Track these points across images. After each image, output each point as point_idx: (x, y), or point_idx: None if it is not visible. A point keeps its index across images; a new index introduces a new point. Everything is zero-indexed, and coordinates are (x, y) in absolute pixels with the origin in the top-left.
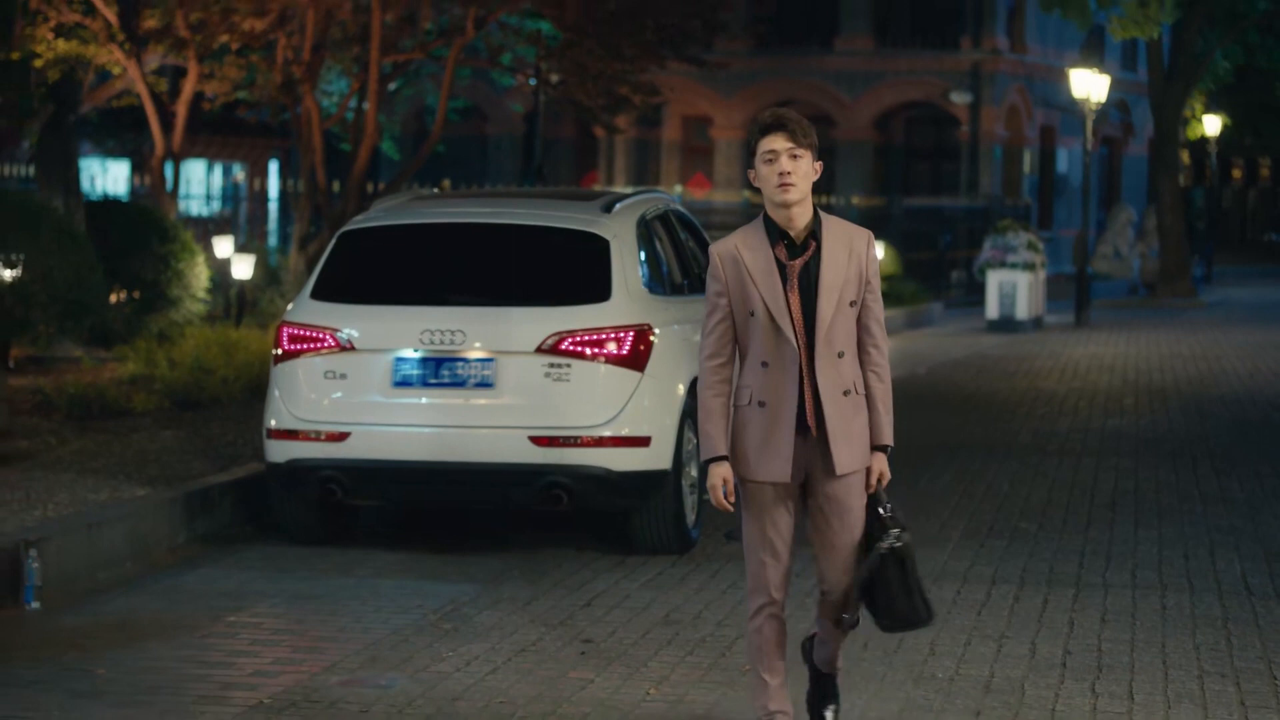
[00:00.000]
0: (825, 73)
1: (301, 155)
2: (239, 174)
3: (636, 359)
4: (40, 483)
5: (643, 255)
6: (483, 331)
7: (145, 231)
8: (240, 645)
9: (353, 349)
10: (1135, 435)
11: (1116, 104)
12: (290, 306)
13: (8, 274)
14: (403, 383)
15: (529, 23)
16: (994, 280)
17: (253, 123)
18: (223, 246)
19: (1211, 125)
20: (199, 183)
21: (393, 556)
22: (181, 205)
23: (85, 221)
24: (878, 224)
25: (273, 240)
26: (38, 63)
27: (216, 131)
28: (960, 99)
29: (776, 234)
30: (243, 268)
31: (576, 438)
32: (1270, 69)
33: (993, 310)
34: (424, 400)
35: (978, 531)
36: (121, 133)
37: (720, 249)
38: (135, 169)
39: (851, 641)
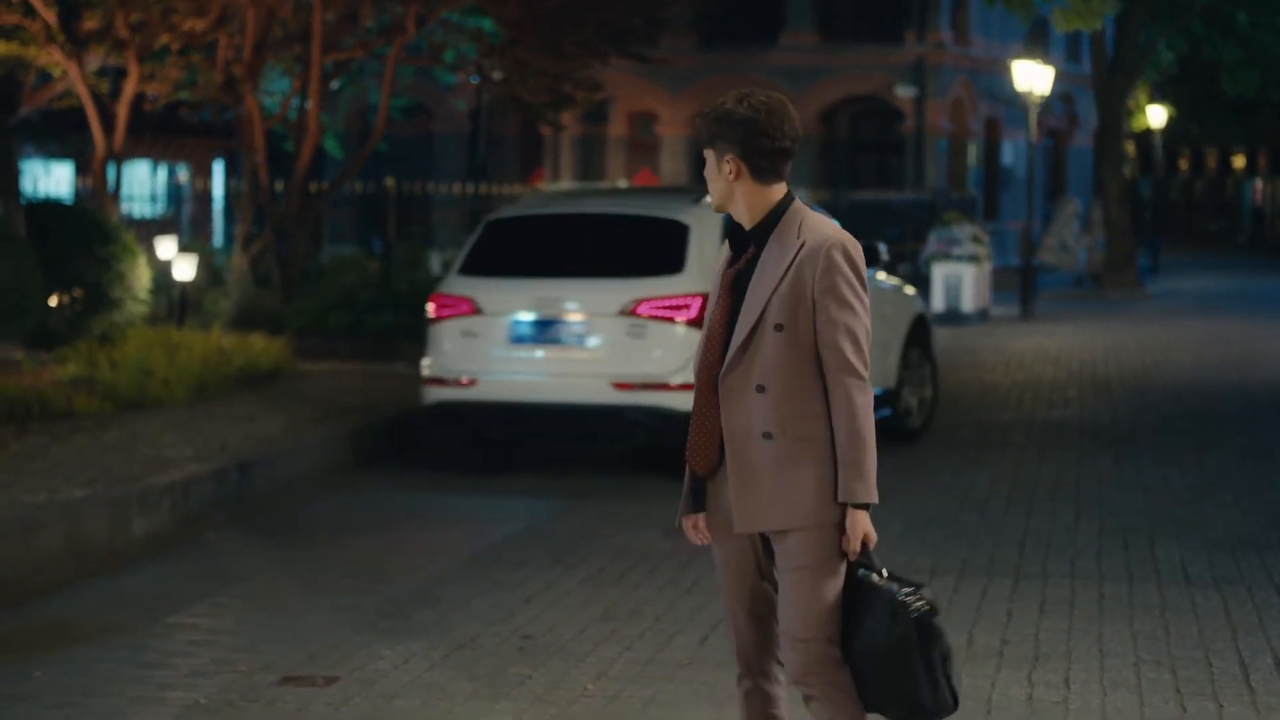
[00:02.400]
0: (770, 68)
1: (244, 155)
2: (182, 175)
3: (701, 321)
4: None
5: (724, 238)
6: (579, 298)
7: (86, 233)
8: (177, 646)
9: (482, 313)
10: (1078, 426)
11: (1061, 96)
12: (443, 280)
13: None
14: (518, 340)
15: (471, 20)
16: (939, 273)
17: (195, 123)
18: (165, 247)
19: (1156, 116)
20: (143, 184)
21: (334, 557)
22: (124, 207)
23: (25, 224)
24: None
25: (217, 240)
26: None
27: (160, 132)
28: (905, 92)
29: (732, 237)
30: (185, 268)
31: (650, 384)
32: (1214, 59)
33: (938, 303)
34: (534, 354)
35: (918, 523)
36: (64, 134)
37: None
38: (78, 171)
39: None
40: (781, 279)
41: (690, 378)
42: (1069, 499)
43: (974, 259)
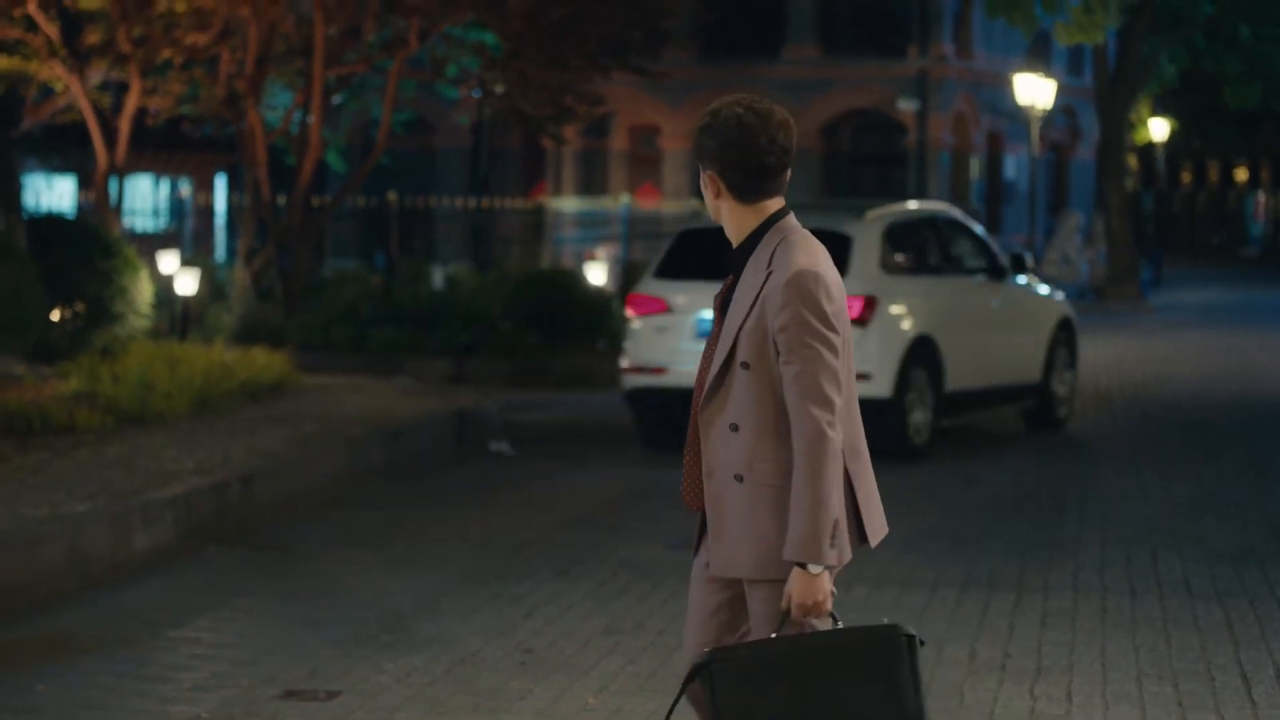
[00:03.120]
0: (772, 81)
1: (246, 169)
2: (184, 189)
3: (863, 318)
4: None
5: (883, 248)
6: None
7: (88, 247)
8: (179, 660)
9: (673, 311)
10: (1080, 438)
11: (1063, 109)
12: (640, 282)
13: None
14: (703, 334)
15: (473, 34)
16: None
17: (198, 138)
18: (167, 261)
19: (1159, 129)
20: (145, 198)
21: (336, 570)
22: (126, 221)
23: (27, 238)
24: None
25: (220, 255)
26: None
27: (162, 147)
28: (907, 106)
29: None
30: (187, 282)
31: None
32: (1216, 72)
33: None
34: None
35: (920, 535)
36: (66, 148)
37: None
38: (81, 185)
39: None
40: (748, 314)
41: (856, 368)
42: (1071, 511)
43: None
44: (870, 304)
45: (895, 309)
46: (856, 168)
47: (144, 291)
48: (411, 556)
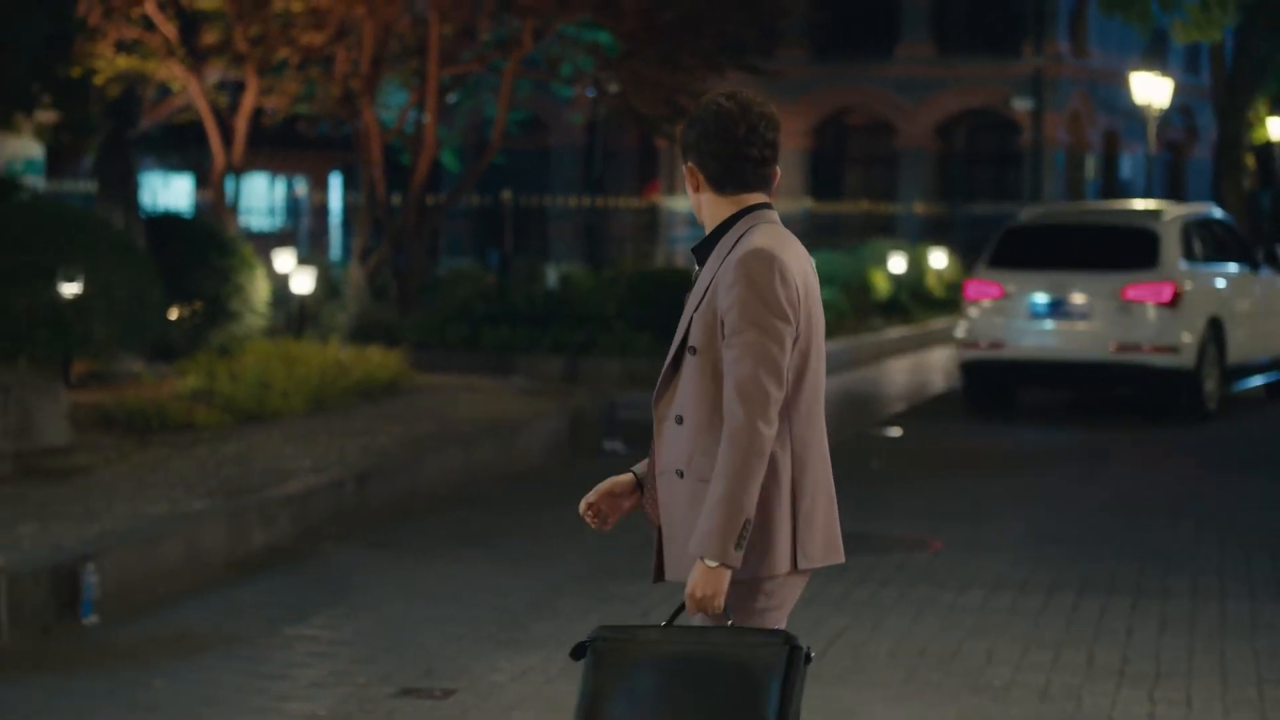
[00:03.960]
0: (886, 80)
1: (361, 168)
2: (300, 188)
3: (1171, 302)
4: (100, 497)
5: (1182, 242)
6: (1082, 285)
7: (205, 246)
8: (296, 657)
9: (1008, 295)
10: (1199, 440)
11: (1179, 108)
12: (974, 269)
13: (68, 290)
14: (1034, 315)
15: (587, 33)
16: None
17: (313, 137)
18: (283, 260)
19: (1277, 128)
20: (260, 197)
21: (452, 569)
22: (242, 219)
23: (145, 237)
24: (940, 232)
25: (334, 253)
26: (98, 79)
27: (277, 146)
28: (1022, 105)
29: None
30: (303, 281)
31: (1137, 346)
32: None
33: None
34: (1046, 325)
35: (1036, 538)
36: (183, 147)
37: None
38: (198, 183)
39: (908, 649)
40: (702, 298)
41: (1164, 342)
42: (1190, 514)
43: None
44: (1178, 290)
45: (1194, 294)
46: (972, 167)
47: (260, 290)
48: (526, 556)
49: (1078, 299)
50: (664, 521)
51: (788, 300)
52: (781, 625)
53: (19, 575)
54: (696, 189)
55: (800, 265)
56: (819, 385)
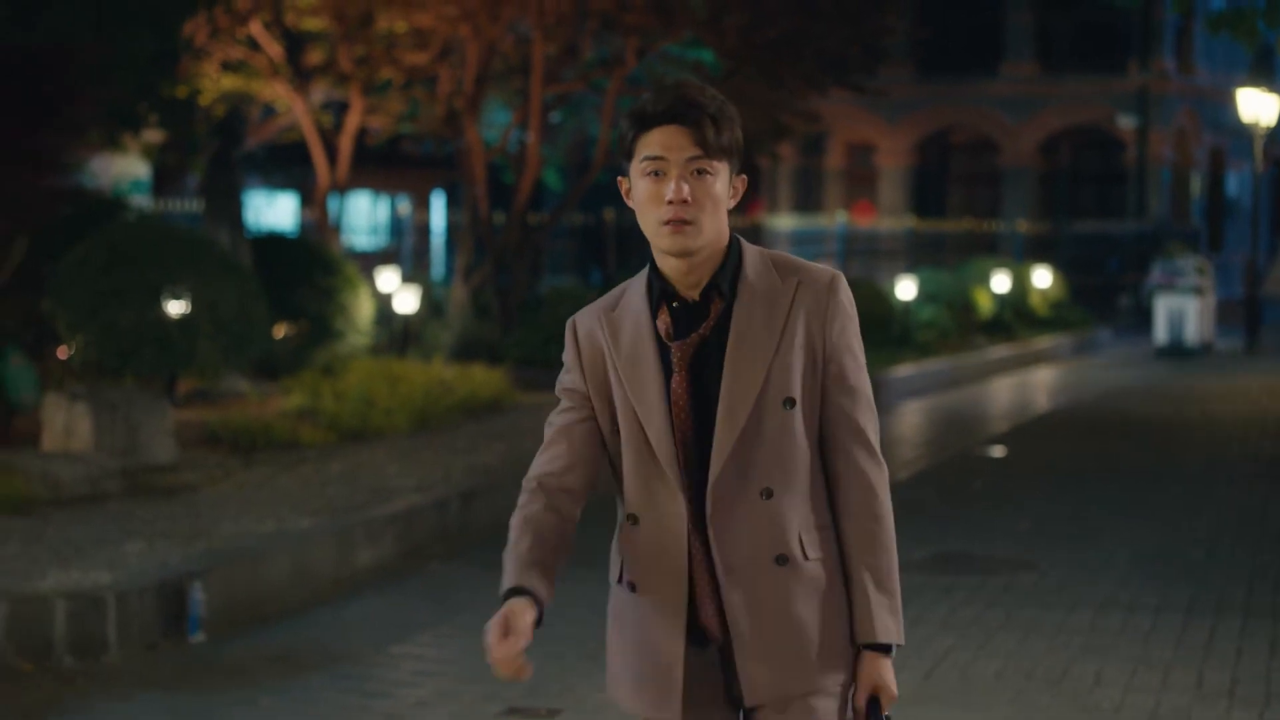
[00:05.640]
0: (989, 98)
1: (465, 187)
2: (403, 207)
3: None
4: (206, 515)
5: None
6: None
7: (309, 265)
8: (402, 676)
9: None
10: None
11: None
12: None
13: (174, 309)
14: None
15: (690, 52)
16: (1162, 305)
17: (416, 155)
18: (387, 279)
19: None
20: (364, 216)
21: (557, 587)
22: (346, 239)
23: (250, 256)
24: (1045, 250)
25: (437, 272)
26: (203, 99)
27: (381, 164)
28: (1126, 123)
29: (659, 295)
30: (407, 300)
31: None
32: None
33: (1161, 335)
34: None
35: (1144, 558)
36: (288, 167)
37: (580, 321)
38: (302, 202)
39: (1015, 670)
40: (779, 333)
41: None
42: None
43: (1197, 291)
44: None
45: None
46: (1076, 185)
47: (364, 309)
48: None
49: None
50: (750, 629)
51: None
52: None
53: (127, 593)
54: (628, 194)
55: None
56: None
